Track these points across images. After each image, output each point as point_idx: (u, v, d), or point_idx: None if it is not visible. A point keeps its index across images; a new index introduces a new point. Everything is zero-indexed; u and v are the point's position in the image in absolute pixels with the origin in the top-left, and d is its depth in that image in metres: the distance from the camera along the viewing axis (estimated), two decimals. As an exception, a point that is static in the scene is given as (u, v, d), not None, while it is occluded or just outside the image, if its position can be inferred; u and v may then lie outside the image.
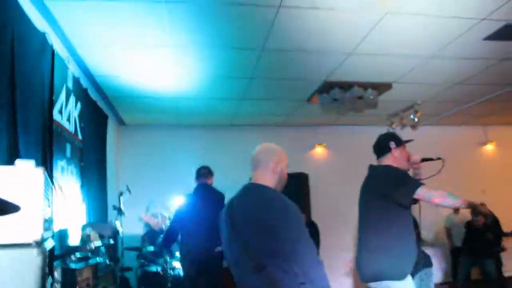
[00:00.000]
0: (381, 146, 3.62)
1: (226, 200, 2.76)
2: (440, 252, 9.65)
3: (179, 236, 5.69)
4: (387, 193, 3.30)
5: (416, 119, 7.84)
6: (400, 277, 3.22)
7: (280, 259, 2.32)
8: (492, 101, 7.98)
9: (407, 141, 3.67)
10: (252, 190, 2.59)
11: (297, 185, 8.10)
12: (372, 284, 3.35)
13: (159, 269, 6.54)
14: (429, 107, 8.08)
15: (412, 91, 7.11)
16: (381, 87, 6.69)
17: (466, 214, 8.97)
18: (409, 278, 3.26)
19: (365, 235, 3.49)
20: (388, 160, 3.55)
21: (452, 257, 9.43)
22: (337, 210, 8.87)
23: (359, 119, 8.89)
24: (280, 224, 2.33)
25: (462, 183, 9.52)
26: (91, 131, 6.05)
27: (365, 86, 6.52)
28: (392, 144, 3.54)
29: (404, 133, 9.03)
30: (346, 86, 6.51)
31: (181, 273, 6.66)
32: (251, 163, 2.66)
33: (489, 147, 10.51)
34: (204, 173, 5.92)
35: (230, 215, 2.55)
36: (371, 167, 3.68)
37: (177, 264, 6.70)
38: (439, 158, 3.73)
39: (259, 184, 2.57)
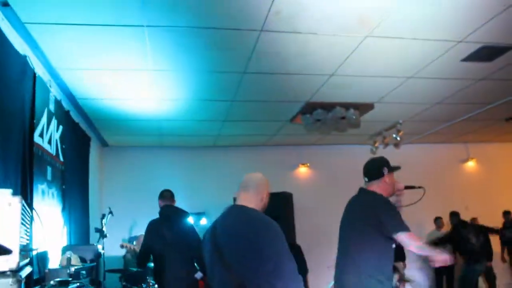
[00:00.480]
0: (375, 170, 3.60)
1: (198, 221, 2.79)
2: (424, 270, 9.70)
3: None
4: (378, 223, 3.30)
5: (398, 138, 7.95)
6: None
7: (262, 279, 2.37)
8: (472, 120, 8.12)
9: (395, 168, 3.70)
10: (237, 211, 2.68)
11: (281, 205, 8.10)
12: None
13: (142, 292, 6.44)
14: (410, 126, 8.18)
15: (394, 111, 7.22)
16: (363, 107, 6.77)
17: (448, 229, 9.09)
18: None
19: (347, 254, 3.50)
20: (379, 184, 3.54)
21: (435, 273, 9.51)
22: (321, 228, 8.85)
23: (342, 138, 8.96)
24: (264, 243, 2.41)
25: (446, 200, 9.67)
26: (73, 153, 6.00)
27: (347, 106, 6.60)
28: (385, 170, 3.55)
29: (387, 152, 9.18)
30: (328, 107, 6.58)
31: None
32: (240, 184, 2.78)
33: (471, 164, 10.66)
34: (168, 195, 5.88)
35: (214, 236, 2.60)
36: (363, 191, 3.65)
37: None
38: (420, 187, 3.76)
39: (244, 205, 2.66)
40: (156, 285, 6.48)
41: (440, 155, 10.34)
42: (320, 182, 9.44)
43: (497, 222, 9.40)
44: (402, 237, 3.20)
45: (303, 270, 7.34)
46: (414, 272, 9.50)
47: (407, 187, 3.83)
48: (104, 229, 5.89)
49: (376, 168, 3.60)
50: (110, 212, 6.10)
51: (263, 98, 6.26)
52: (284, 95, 6.14)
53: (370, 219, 3.35)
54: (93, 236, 6.49)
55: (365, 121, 7.55)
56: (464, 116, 7.86)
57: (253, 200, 2.70)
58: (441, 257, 3.12)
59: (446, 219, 9.20)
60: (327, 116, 6.57)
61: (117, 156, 8.73)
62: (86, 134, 6.91)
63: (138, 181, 8.60)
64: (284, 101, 6.39)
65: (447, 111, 7.47)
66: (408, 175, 10.11)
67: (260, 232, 2.47)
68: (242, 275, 2.40)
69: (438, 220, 9.42)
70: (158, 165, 8.80)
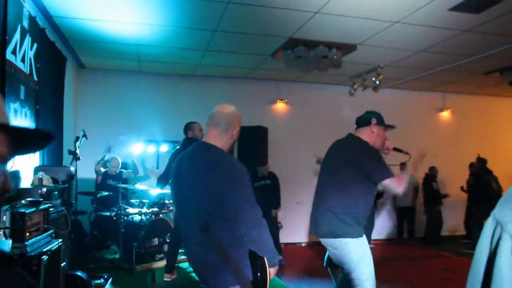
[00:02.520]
0: (364, 119, 3.72)
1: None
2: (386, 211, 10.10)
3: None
4: (363, 166, 3.44)
5: (377, 82, 7.97)
6: (357, 235, 3.43)
7: (225, 221, 2.39)
8: (452, 70, 8.16)
9: (389, 126, 3.79)
10: (203, 151, 2.59)
11: (256, 138, 8.17)
12: (327, 240, 3.52)
13: (113, 214, 6.57)
14: (391, 71, 8.19)
15: (376, 55, 7.18)
16: (346, 48, 6.71)
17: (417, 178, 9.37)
18: (364, 237, 3.49)
19: (327, 194, 3.61)
20: (365, 132, 3.65)
21: (397, 216, 9.92)
22: (293, 163, 9.03)
23: (322, 77, 8.93)
24: (226, 189, 2.37)
25: (417, 145, 9.81)
26: (48, 72, 5.86)
27: (330, 46, 6.53)
28: (374, 120, 3.64)
29: (365, 95, 9.24)
30: (311, 45, 6.49)
31: (134, 220, 6.74)
32: (210, 117, 2.64)
33: (445, 114, 10.81)
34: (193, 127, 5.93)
35: (179, 172, 2.59)
36: (350, 136, 3.78)
37: (131, 210, 6.75)
38: (407, 153, 3.89)
39: (211, 144, 2.57)
40: (127, 209, 6.62)
41: (417, 102, 10.43)
42: (296, 119, 9.47)
43: (462, 171, 9.72)
44: (387, 183, 3.39)
45: (277, 200, 7.56)
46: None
47: (395, 149, 3.92)
48: (77, 151, 5.88)
49: (365, 117, 3.73)
50: (84, 135, 6.07)
51: (246, 30, 6.13)
52: (267, 28, 6.03)
53: (351, 162, 3.49)
54: (67, 158, 6.48)
55: (346, 62, 7.53)
56: (445, 66, 7.88)
57: (222, 137, 2.58)
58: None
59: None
60: (308, 54, 6.50)
61: (94, 78, 8.54)
62: (62, 54, 6.71)
63: (114, 105, 8.49)
64: (267, 35, 6.28)
65: (429, 60, 7.47)
66: (384, 119, 10.31)
67: (222, 178, 2.39)
68: (206, 216, 2.39)
69: (403, 165, 9.62)
70: (135, 90, 8.66)
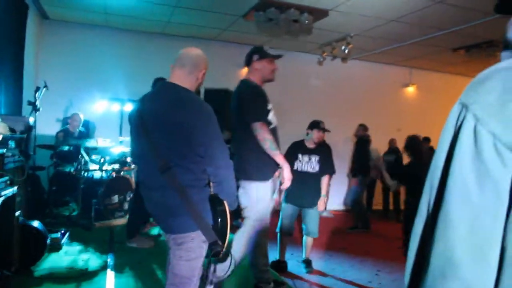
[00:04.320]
0: (247, 57, 3.83)
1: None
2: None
3: None
4: (243, 112, 3.62)
5: (346, 51, 7.97)
6: (264, 179, 3.66)
7: (188, 161, 2.35)
8: (420, 45, 8.25)
9: (275, 56, 3.83)
10: (168, 90, 2.52)
11: (221, 101, 8.08)
12: (242, 182, 3.69)
13: (72, 169, 6.43)
14: (361, 41, 8.19)
15: (347, 22, 7.15)
16: (317, 13, 6.65)
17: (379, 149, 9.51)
18: (270, 181, 3.72)
19: (236, 143, 3.85)
20: (251, 71, 3.80)
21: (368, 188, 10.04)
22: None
23: (292, 44, 8.87)
24: (194, 127, 2.33)
25: (381, 119, 10.03)
26: (8, 19, 5.61)
27: (301, 9, 6.46)
28: (255, 57, 3.74)
29: (333, 65, 9.25)
30: (283, 7, 6.41)
31: (94, 176, 6.63)
32: (176, 59, 2.57)
33: (411, 89, 10.99)
34: None
35: (141, 111, 2.50)
36: (240, 81, 3.90)
37: (91, 166, 6.63)
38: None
39: (176, 84, 2.50)
40: (87, 165, 6.51)
41: (384, 76, 10.54)
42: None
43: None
44: (255, 125, 3.53)
45: None
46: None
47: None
48: (37, 102, 5.69)
49: (248, 55, 3.84)
50: (45, 86, 5.87)
51: (218, -13, 5.97)
52: (240, -13, 5.89)
53: (240, 107, 3.69)
54: (26, 109, 6.28)
55: (317, 29, 7.49)
56: (414, 39, 7.94)
57: (188, 79, 2.52)
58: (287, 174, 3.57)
59: (377, 138, 9.55)
60: (279, 16, 6.42)
61: (58, 30, 8.22)
62: (23, 1, 6.42)
63: (78, 59, 8.21)
64: (239, -6, 6.15)
65: (399, 31, 7.50)
66: (350, 91, 10.42)
67: (191, 116, 2.34)
68: (167, 156, 2.34)
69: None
70: (101, 46, 8.39)
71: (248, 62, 3.78)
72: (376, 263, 5.92)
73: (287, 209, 5.27)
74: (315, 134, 5.15)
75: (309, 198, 5.18)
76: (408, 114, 10.72)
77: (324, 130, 5.18)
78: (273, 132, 3.69)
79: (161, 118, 2.40)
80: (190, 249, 2.41)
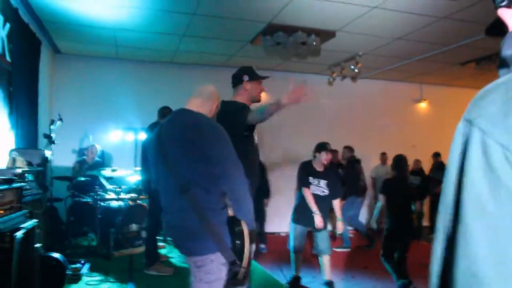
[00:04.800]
0: (236, 77, 3.68)
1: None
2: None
3: None
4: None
5: (356, 70, 8.02)
6: None
7: (207, 181, 2.41)
8: (429, 60, 8.27)
9: (264, 77, 3.73)
10: (185, 114, 2.62)
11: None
12: None
13: (89, 200, 6.48)
14: (369, 59, 8.24)
15: (354, 42, 7.21)
16: (325, 35, 6.73)
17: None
18: None
19: None
20: (239, 91, 3.62)
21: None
22: (267, 151, 9.01)
23: (301, 66, 8.95)
24: (211, 147, 2.40)
25: (395, 137, 10.00)
26: (22, 54, 5.74)
27: (308, 31, 6.53)
28: (245, 77, 3.59)
29: (343, 85, 9.29)
30: (290, 30, 6.50)
31: (111, 206, 6.67)
32: (192, 93, 2.71)
33: (423, 105, 10.96)
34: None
35: (160, 138, 2.57)
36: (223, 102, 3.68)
37: (108, 196, 6.68)
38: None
39: (193, 110, 2.61)
40: (104, 195, 6.55)
41: (394, 93, 10.55)
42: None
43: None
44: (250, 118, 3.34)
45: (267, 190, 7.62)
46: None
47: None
48: (52, 135, 5.79)
49: (237, 75, 3.67)
50: (60, 119, 5.98)
51: (225, 14, 6.08)
52: (246, 13, 5.99)
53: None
54: (42, 142, 6.39)
55: (325, 50, 7.55)
56: (421, 55, 7.97)
57: (203, 107, 2.65)
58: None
59: (391, 155, 9.51)
60: (287, 40, 6.50)
61: (70, 64, 8.41)
62: (36, 37, 6.59)
63: (90, 91, 8.37)
64: (246, 19, 6.25)
65: (406, 48, 7.54)
66: (361, 109, 10.42)
67: (207, 136, 2.43)
68: (186, 177, 2.40)
69: (383, 156, 9.75)
70: (112, 77, 8.55)
71: (238, 82, 3.63)
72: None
73: (297, 229, 5.37)
74: (324, 156, 5.24)
75: None
76: (422, 129, 10.68)
77: (332, 150, 5.29)
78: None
79: (179, 140, 2.48)
80: (210, 271, 2.43)
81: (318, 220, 5.10)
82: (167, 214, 2.60)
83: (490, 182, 0.75)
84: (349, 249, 7.76)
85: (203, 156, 2.40)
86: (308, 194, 5.18)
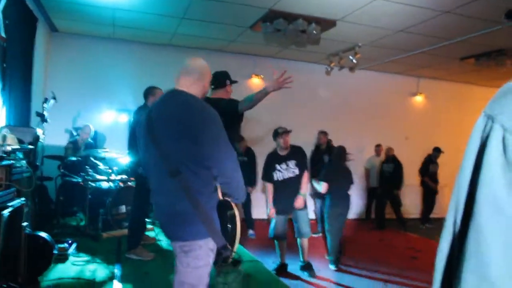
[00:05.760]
0: (220, 80, 4.05)
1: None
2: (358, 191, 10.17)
3: None
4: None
5: (354, 61, 7.96)
6: None
7: (197, 164, 2.35)
8: (428, 54, 8.22)
9: (235, 82, 4.17)
10: (175, 95, 2.54)
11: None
12: None
13: (80, 180, 6.44)
14: (368, 51, 8.19)
15: (355, 32, 7.15)
16: (325, 24, 6.66)
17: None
18: None
19: None
20: (222, 92, 4.02)
21: (368, 196, 10.00)
22: (266, 140, 8.99)
23: (300, 54, 8.89)
24: (200, 128, 2.34)
25: (389, 128, 10.02)
26: (18, 31, 5.64)
27: (309, 20, 6.46)
28: (227, 82, 4.05)
29: (341, 75, 9.24)
30: (290, 18, 6.42)
31: (102, 186, 6.63)
32: (181, 69, 2.61)
33: (419, 98, 10.96)
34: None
35: (149, 120, 2.51)
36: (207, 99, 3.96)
37: (99, 177, 6.64)
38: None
39: (183, 90, 2.53)
40: (95, 175, 6.51)
41: (391, 85, 10.53)
42: (270, 95, 9.40)
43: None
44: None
45: (253, 179, 7.65)
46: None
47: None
48: (45, 113, 5.72)
49: (221, 79, 4.08)
50: (54, 98, 5.90)
51: (226, -2, 6.00)
52: (247, -2, 5.92)
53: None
54: (34, 120, 6.32)
55: (325, 39, 7.49)
56: (421, 49, 7.93)
57: (193, 87, 2.56)
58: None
59: (385, 146, 9.54)
60: (287, 27, 6.43)
61: (67, 43, 8.31)
62: (33, 14, 6.48)
63: (86, 71, 8.28)
64: (247, 4, 6.16)
65: (407, 41, 7.49)
66: (358, 100, 10.40)
67: (197, 117, 2.37)
68: (177, 160, 2.35)
69: (377, 147, 9.76)
70: (109, 57, 8.46)
71: (222, 85, 4.02)
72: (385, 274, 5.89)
73: (277, 220, 5.56)
74: (281, 140, 5.49)
75: None
76: (416, 122, 10.74)
77: (286, 132, 5.49)
78: None
79: (169, 122, 2.42)
80: (198, 257, 2.40)
81: (300, 202, 5.42)
82: (157, 196, 2.55)
83: (509, 181, 0.72)
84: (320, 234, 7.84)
85: (193, 137, 2.34)
86: (269, 188, 5.58)
